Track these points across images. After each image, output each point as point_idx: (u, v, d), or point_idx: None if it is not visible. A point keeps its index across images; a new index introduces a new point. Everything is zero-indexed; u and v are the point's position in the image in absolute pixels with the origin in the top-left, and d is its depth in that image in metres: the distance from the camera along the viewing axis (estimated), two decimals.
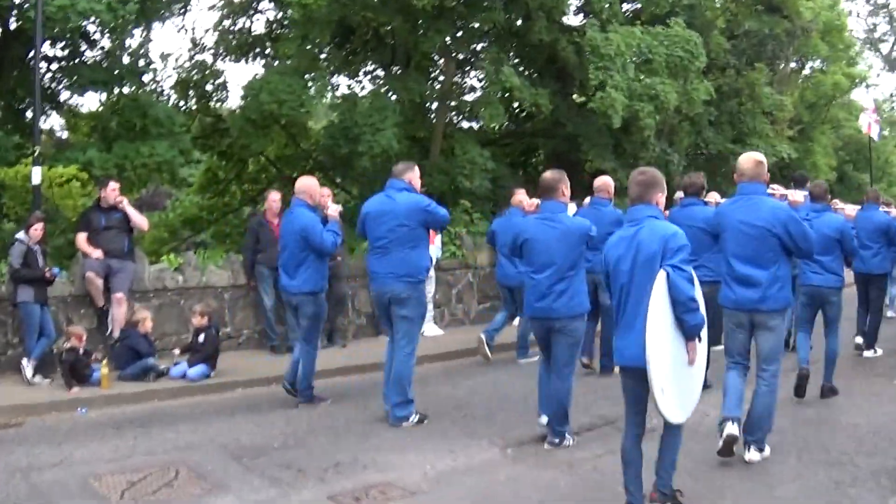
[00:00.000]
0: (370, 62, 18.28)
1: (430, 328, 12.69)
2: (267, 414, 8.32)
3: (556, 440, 7.01)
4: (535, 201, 7.44)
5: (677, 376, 5.09)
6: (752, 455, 6.41)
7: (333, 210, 8.76)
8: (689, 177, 9.37)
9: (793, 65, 23.95)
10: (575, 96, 17.96)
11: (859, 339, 10.76)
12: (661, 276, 5.02)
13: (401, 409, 7.81)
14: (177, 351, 10.18)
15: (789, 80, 23.62)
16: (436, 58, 17.11)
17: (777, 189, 7.89)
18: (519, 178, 17.84)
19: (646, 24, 16.48)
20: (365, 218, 7.96)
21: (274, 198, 11.89)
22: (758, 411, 6.42)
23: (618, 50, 14.71)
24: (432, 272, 12.75)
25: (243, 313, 11.67)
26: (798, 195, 7.93)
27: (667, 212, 7.30)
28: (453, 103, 17.65)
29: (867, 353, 10.68)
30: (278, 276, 9.10)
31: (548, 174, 7.23)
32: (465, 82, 19.29)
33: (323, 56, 16.48)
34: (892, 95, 34.71)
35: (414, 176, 7.94)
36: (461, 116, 18.73)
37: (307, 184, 8.81)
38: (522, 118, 19.87)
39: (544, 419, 7.18)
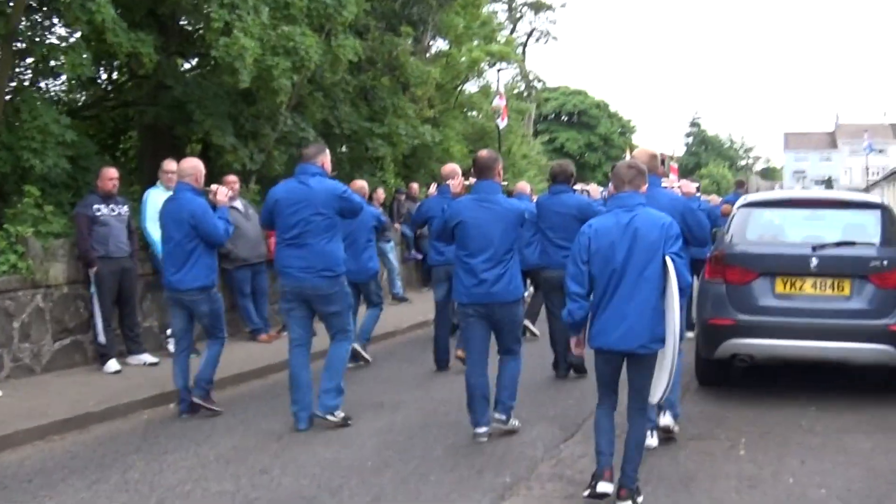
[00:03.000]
0: None
1: None
2: None
3: (504, 417, 7.17)
4: (461, 181, 7.57)
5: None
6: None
7: (223, 194, 8.06)
8: (560, 164, 9.76)
9: (430, 40, 21.86)
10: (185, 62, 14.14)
11: None
12: (669, 264, 5.32)
13: (332, 398, 7.49)
14: None
15: (425, 57, 21.44)
16: None
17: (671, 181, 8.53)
18: (108, 160, 13.48)
19: None
20: (274, 206, 7.42)
21: None
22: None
23: None
24: None
25: None
26: (690, 186, 8.18)
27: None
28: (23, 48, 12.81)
29: None
30: None
31: (483, 153, 7.14)
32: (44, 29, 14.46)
33: None
34: (507, 84, 34.16)
35: (326, 160, 7.59)
36: (33, 72, 13.95)
37: (193, 165, 8.12)
38: (116, 82, 15.64)
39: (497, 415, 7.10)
